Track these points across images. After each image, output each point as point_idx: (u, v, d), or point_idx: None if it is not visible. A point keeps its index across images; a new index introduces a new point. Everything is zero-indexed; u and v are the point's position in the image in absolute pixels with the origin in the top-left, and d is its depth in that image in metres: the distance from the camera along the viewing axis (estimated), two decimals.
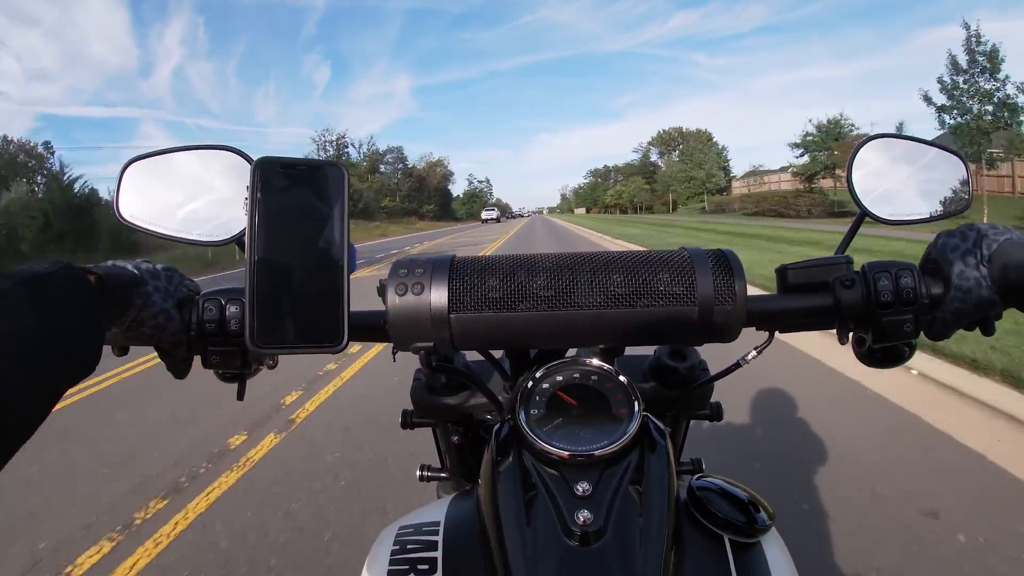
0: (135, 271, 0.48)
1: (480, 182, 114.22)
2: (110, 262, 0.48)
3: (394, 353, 0.53)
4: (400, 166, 72.59)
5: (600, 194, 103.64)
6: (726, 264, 0.49)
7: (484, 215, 65.09)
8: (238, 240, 0.54)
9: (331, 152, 60.88)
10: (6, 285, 0.34)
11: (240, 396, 0.58)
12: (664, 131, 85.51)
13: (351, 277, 0.44)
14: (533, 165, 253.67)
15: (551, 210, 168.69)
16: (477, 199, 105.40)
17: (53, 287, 0.36)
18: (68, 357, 0.36)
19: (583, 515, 0.43)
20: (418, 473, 0.77)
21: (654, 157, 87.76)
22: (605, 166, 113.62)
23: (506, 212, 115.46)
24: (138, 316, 0.48)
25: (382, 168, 67.88)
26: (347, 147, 64.09)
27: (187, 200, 0.57)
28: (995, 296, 0.48)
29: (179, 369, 0.53)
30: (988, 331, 0.53)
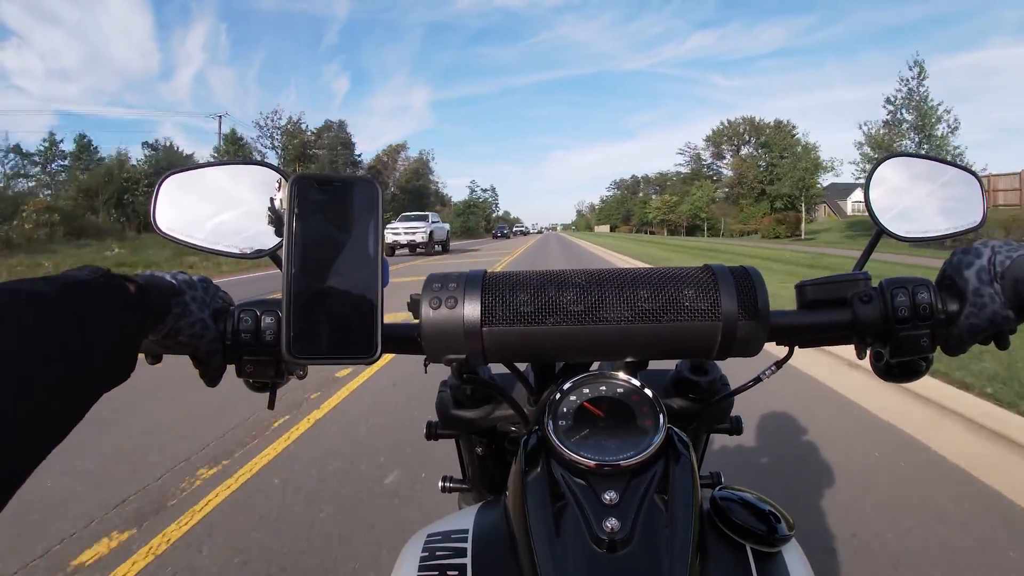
0: (173, 281, 0.50)
1: (484, 190, 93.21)
2: (148, 272, 0.50)
3: (426, 365, 0.54)
4: (341, 149, 49.13)
5: (633, 209, 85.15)
6: (749, 280, 0.51)
7: (391, 234, 22.99)
8: (272, 253, 0.56)
9: (278, 138, 45.81)
10: (49, 290, 0.35)
11: (271, 405, 0.59)
12: (728, 123, 62.90)
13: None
14: (547, 182, 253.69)
15: (565, 227, 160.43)
16: (478, 211, 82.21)
17: (92, 294, 0.38)
18: (104, 363, 0.37)
19: (610, 523, 0.44)
20: (440, 484, 0.78)
21: (706, 158, 66.28)
22: (633, 176, 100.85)
23: (512, 226, 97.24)
24: (176, 325, 0.49)
25: (319, 153, 46.82)
26: (304, 132, 46.49)
27: (221, 213, 0.59)
28: (1008, 311, 0.50)
29: (212, 377, 0.54)
30: (1003, 345, 0.54)
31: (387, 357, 0.50)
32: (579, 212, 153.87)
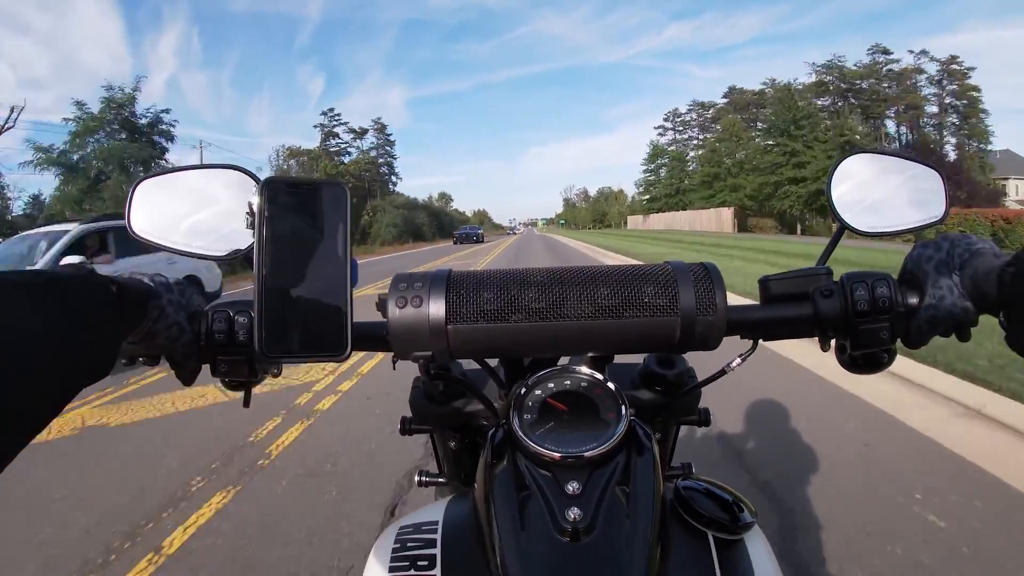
0: (151, 284, 0.51)
1: (356, 132, 48.46)
2: (127, 274, 0.51)
3: (394, 362, 0.55)
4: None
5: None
6: (707, 277, 0.52)
7: None
8: (246, 255, 0.57)
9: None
10: (37, 281, 0.36)
11: (246, 404, 0.60)
12: None
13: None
14: (525, 177, 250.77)
15: (548, 222, 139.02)
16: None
17: (78, 290, 0.39)
18: (86, 357, 0.38)
19: (573, 512, 0.45)
20: (417, 479, 0.79)
21: None
22: (736, 90, 52.89)
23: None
24: (153, 327, 0.50)
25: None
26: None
27: (195, 216, 0.59)
28: (967, 303, 0.51)
29: (187, 377, 0.55)
30: (964, 337, 0.55)
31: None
32: (568, 202, 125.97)
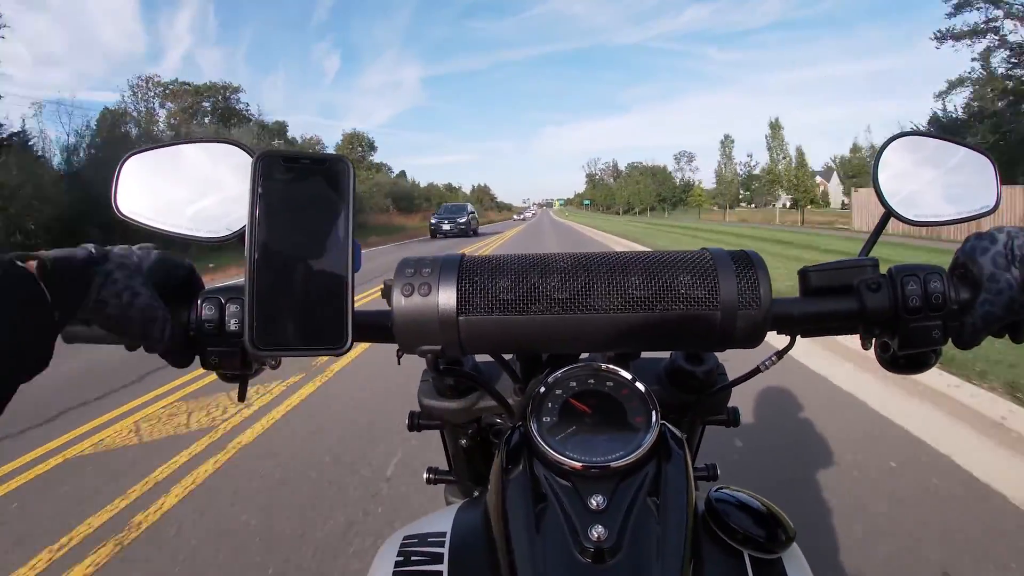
0: (92, 250, 0.44)
1: None
2: (66, 249, 0.44)
3: (399, 356, 0.51)
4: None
5: None
6: (750, 266, 0.47)
7: None
8: (240, 237, 0.53)
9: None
10: None
11: (241, 398, 0.56)
12: None
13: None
14: (539, 158, 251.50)
15: (566, 203, 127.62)
16: None
17: None
18: (18, 353, 0.36)
19: (597, 531, 0.41)
20: (425, 476, 0.75)
21: None
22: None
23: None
24: (100, 296, 0.43)
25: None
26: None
27: (187, 195, 0.56)
28: None
29: (177, 361, 0.50)
30: (1019, 337, 0.51)
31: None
32: (592, 177, 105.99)
